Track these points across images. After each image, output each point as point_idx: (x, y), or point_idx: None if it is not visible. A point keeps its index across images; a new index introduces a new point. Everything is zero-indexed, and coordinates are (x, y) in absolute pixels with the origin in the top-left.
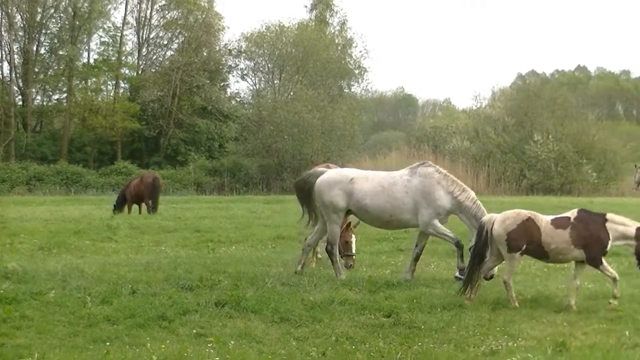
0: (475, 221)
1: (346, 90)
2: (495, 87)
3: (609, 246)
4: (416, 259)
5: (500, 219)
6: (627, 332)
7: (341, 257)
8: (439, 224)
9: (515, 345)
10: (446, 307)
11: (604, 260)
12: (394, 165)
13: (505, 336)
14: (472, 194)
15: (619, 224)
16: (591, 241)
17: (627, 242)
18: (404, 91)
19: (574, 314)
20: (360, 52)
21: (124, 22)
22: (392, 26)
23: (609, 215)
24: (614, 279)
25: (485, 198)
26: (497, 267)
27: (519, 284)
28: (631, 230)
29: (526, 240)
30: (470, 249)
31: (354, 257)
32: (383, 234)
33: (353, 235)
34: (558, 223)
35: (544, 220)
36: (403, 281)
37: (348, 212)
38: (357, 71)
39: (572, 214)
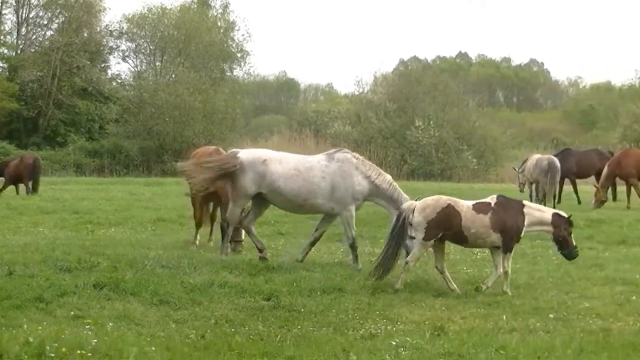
0: (394, 203)
1: (228, 74)
2: (377, 72)
3: (523, 232)
4: (313, 242)
5: (420, 207)
6: (504, 317)
7: (230, 241)
8: (353, 212)
9: (394, 329)
10: (326, 290)
11: (513, 250)
12: (275, 148)
13: (385, 320)
14: (389, 177)
15: (536, 209)
16: (508, 226)
17: (543, 228)
18: (286, 75)
19: (453, 299)
20: (243, 35)
21: (3, 0)
22: (275, 10)
23: (526, 202)
24: (506, 273)
25: None
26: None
27: (398, 269)
28: (547, 216)
29: (444, 228)
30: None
31: (242, 242)
32: (263, 217)
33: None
34: (479, 208)
35: (465, 205)
36: (296, 261)
37: (258, 195)
38: (239, 54)
39: (492, 199)
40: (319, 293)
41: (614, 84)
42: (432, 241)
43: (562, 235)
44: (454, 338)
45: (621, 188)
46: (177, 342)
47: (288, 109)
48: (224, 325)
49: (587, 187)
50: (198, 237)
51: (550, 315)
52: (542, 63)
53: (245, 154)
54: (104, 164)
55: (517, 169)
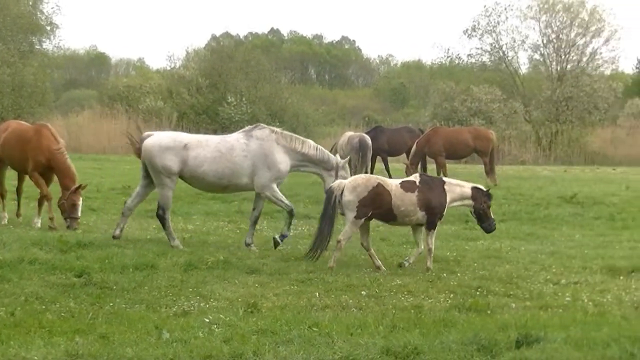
0: (324, 164)
1: (37, 47)
2: (189, 48)
3: (446, 209)
4: (255, 222)
5: (351, 186)
6: (317, 294)
7: (65, 218)
8: (276, 188)
9: (207, 306)
10: (138, 267)
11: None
12: (86, 123)
13: (198, 297)
14: (312, 142)
15: (455, 185)
16: (433, 204)
17: (464, 203)
18: (97, 49)
19: (266, 276)
20: (52, 8)
21: None
22: None
23: (446, 179)
24: (430, 250)
25: None
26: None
27: (211, 245)
28: (467, 191)
29: (375, 207)
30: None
31: (78, 219)
32: None
33: (81, 198)
34: (406, 186)
35: (393, 184)
36: (244, 245)
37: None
38: (48, 27)
39: (415, 177)
40: (131, 270)
41: (424, 62)
42: (362, 219)
43: (482, 209)
44: (267, 315)
45: (432, 166)
46: None
47: (99, 84)
48: (34, 302)
49: (399, 164)
50: (6, 213)
51: (363, 292)
52: (354, 41)
53: (164, 137)
54: None
55: None
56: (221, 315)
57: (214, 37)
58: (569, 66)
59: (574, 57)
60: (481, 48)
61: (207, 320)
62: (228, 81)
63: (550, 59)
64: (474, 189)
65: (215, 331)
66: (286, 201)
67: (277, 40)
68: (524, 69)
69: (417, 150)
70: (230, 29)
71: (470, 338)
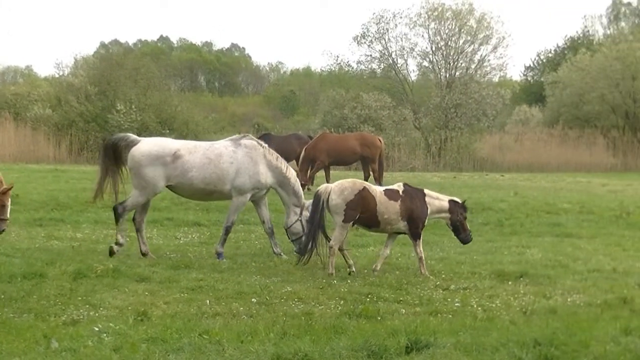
0: (295, 197)
1: None
2: (77, 55)
3: (427, 220)
4: (272, 233)
5: (338, 189)
6: (208, 301)
7: None
8: (247, 201)
9: (97, 314)
10: (26, 276)
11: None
12: None
13: (87, 306)
14: (293, 172)
15: (435, 198)
16: (415, 214)
17: (442, 215)
18: None
19: (156, 284)
20: None
21: None
22: None
23: (426, 191)
24: (421, 259)
25: (67, 167)
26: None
27: (101, 254)
28: (445, 204)
29: (361, 210)
30: (285, 227)
31: (7, 221)
32: None
33: (10, 199)
34: (390, 195)
35: (378, 190)
36: (277, 256)
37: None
38: None
39: (399, 187)
40: (19, 279)
41: (314, 70)
42: (351, 223)
43: (459, 220)
44: (157, 323)
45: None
46: None
47: None
48: None
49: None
50: None
51: (254, 300)
52: (244, 48)
53: (153, 145)
54: None
55: None
56: (111, 324)
57: (102, 45)
58: (457, 73)
59: (463, 65)
60: (370, 55)
61: (97, 329)
62: (117, 89)
63: (439, 66)
64: (451, 202)
65: (105, 340)
66: (235, 217)
67: (167, 48)
68: (413, 76)
69: (305, 156)
70: (119, 37)
71: (360, 344)
